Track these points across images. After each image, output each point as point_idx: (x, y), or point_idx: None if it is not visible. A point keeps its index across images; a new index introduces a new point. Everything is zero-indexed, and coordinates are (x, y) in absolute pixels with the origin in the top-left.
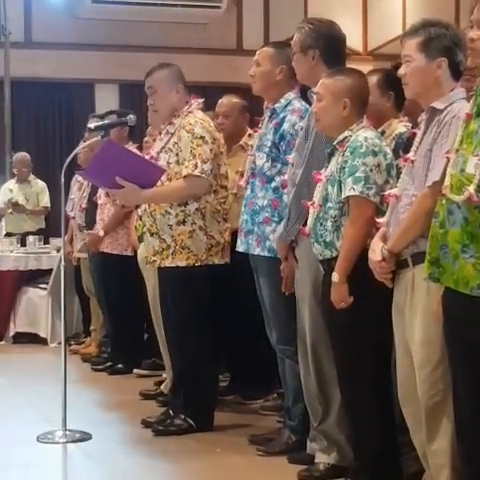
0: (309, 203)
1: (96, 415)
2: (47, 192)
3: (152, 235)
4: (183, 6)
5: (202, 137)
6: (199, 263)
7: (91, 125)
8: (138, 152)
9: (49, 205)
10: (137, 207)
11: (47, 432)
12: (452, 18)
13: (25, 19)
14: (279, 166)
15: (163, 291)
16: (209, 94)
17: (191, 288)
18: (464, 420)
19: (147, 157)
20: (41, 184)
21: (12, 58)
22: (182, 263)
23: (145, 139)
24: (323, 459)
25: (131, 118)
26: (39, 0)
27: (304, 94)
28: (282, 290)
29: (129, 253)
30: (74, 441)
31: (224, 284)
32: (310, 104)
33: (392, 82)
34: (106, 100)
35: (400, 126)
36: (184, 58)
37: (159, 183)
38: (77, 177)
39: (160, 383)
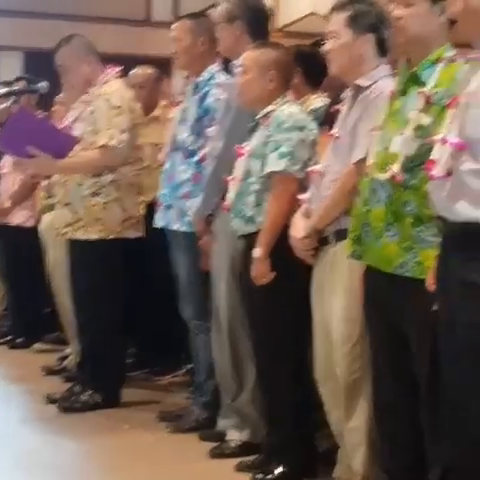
0: (229, 177)
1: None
2: None
3: (64, 206)
4: None
5: (119, 107)
6: (112, 236)
7: (1, 91)
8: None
9: None
10: (47, 177)
11: None
12: None
13: None
14: (202, 141)
15: (73, 263)
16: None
17: (103, 261)
18: (380, 400)
19: (61, 126)
20: None
21: None
22: (95, 236)
23: (53, 108)
24: (235, 436)
25: (43, 86)
26: None
27: (226, 67)
28: (199, 265)
29: (30, 224)
30: None
31: (135, 257)
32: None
33: (302, 59)
34: (10, 67)
35: (317, 101)
36: (91, 28)
37: (72, 153)
38: None
39: (64, 358)
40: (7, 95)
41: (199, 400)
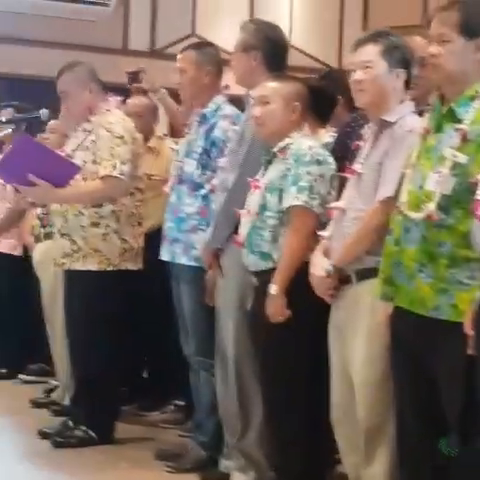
0: (242, 211)
1: None
2: None
3: (62, 236)
4: (72, 1)
5: (122, 137)
6: (111, 268)
7: (3, 118)
8: None
9: None
10: (43, 206)
11: None
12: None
13: None
14: (209, 173)
15: (69, 295)
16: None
17: (101, 293)
18: (405, 444)
19: (62, 154)
20: None
21: None
22: (94, 267)
23: (45, 135)
24: (240, 478)
25: (44, 113)
26: None
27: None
28: (204, 300)
29: (17, 253)
30: None
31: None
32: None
33: (311, 93)
34: None
35: (326, 136)
36: (68, 55)
37: (73, 182)
38: None
39: (50, 391)
40: (8, 122)
41: (199, 439)
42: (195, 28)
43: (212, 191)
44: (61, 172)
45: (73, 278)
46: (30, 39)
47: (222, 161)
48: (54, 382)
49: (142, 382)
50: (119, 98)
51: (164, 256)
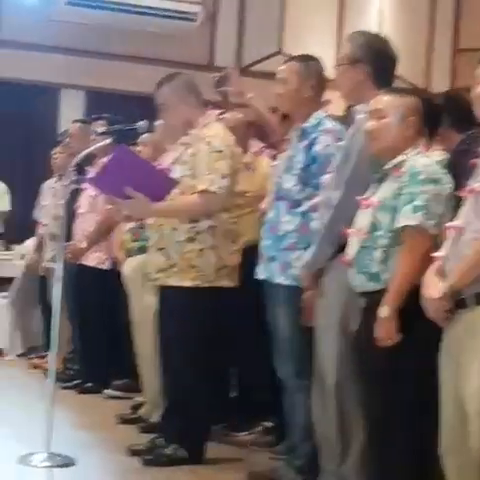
0: (350, 229)
1: (74, 438)
2: (7, 196)
3: (157, 251)
4: (159, 16)
5: (221, 151)
6: (207, 284)
7: (99, 129)
8: None
9: (8, 209)
10: (128, 219)
11: (27, 454)
12: None
13: None
14: (309, 190)
15: (163, 310)
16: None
17: (196, 310)
18: None
19: (160, 168)
20: (2, 187)
21: None
22: (188, 283)
23: (137, 148)
24: None
25: (142, 125)
26: None
27: None
28: (301, 321)
29: (106, 267)
30: (58, 466)
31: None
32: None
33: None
34: (71, 106)
35: (437, 155)
36: (153, 70)
37: (170, 196)
38: (50, 183)
39: (136, 407)
40: (106, 134)
41: (293, 462)
42: (282, 45)
43: (312, 208)
44: (158, 186)
45: (167, 294)
46: (116, 54)
47: (326, 178)
48: (140, 398)
49: (230, 401)
50: (218, 111)
51: (260, 274)
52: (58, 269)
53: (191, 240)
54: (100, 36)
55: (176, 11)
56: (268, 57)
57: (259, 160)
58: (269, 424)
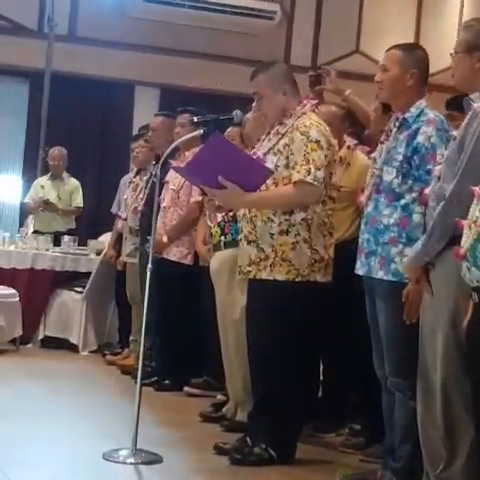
0: (465, 221)
1: (159, 436)
2: (80, 191)
3: (249, 243)
4: (236, 14)
5: (317, 141)
6: (300, 278)
7: (195, 118)
8: None
9: (82, 205)
10: (219, 209)
11: (113, 450)
12: None
13: (71, 12)
14: (410, 182)
15: (253, 304)
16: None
17: (288, 304)
18: None
19: (254, 157)
20: (74, 182)
21: (54, 51)
22: (281, 276)
23: None
24: None
25: (237, 114)
26: None
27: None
28: (402, 317)
29: (188, 262)
30: (145, 463)
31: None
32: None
33: None
34: (146, 102)
35: None
36: (229, 68)
37: (263, 187)
38: (128, 177)
39: (217, 405)
40: (202, 123)
41: (391, 465)
42: (359, 45)
43: (413, 201)
44: (252, 175)
45: (258, 287)
46: (191, 51)
47: (436, 169)
48: (221, 396)
49: (317, 401)
50: (314, 101)
51: (359, 270)
52: (150, 262)
53: (285, 232)
54: (175, 33)
55: (254, 9)
56: (344, 57)
57: (354, 155)
58: (357, 426)
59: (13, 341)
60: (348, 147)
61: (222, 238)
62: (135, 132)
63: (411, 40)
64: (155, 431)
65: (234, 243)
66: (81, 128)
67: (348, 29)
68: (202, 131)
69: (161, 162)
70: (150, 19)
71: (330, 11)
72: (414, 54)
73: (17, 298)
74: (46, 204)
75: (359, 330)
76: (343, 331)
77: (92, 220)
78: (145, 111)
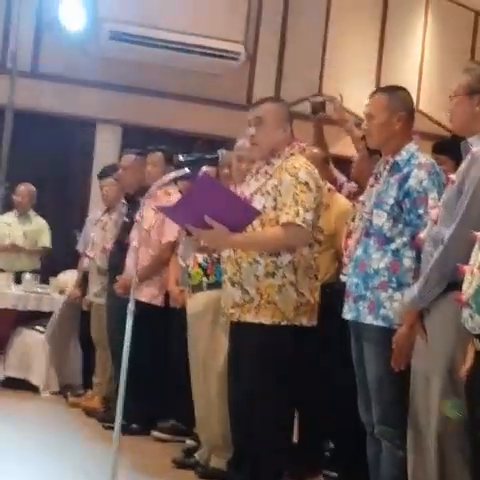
0: (467, 266)
1: None
2: (48, 231)
3: (233, 285)
4: (201, 54)
5: (306, 183)
6: (285, 322)
7: (180, 158)
8: None
9: (49, 245)
10: (203, 250)
11: None
12: None
13: (34, 48)
14: (401, 226)
15: (235, 349)
16: (217, 146)
17: (273, 349)
18: None
19: (241, 197)
20: (41, 221)
21: (16, 87)
22: (267, 320)
23: None
24: None
25: (223, 153)
26: (52, 30)
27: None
28: (390, 363)
29: (158, 303)
30: None
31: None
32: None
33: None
34: (107, 141)
35: None
36: (192, 107)
37: (250, 228)
38: (95, 216)
39: (189, 450)
40: (187, 163)
41: None
42: (322, 87)
43: (404, 245)
44: (239, 216)
45: (242, 331)
46: (154, 90)
47: (432, 213)
48: (190, 441)
49: (292, 447)
50: (303, 144)
51: (347, 314)
52: (130, 303)
53: (271, 275)
54: (140, 72)
55: (219, 50)
56: (306, 98)
57: (334, 198)
58: (333, 474)
59: None
60: (328, 190)
61: (204, 279)
62: (96, 170)
63: (373, 81)
64: (131, 477)
65: (218, 285)
66: (42, 165)
67: (311, 71)
68: (188, 170)
69: (126, 201)
70: (114, 57)
71: (293, 53)
72: (398, 96)
73: None
74: (13, 247)
75: (339, 376)
76: (322, 376)
77: (51, 257)
78: (107, 149)
